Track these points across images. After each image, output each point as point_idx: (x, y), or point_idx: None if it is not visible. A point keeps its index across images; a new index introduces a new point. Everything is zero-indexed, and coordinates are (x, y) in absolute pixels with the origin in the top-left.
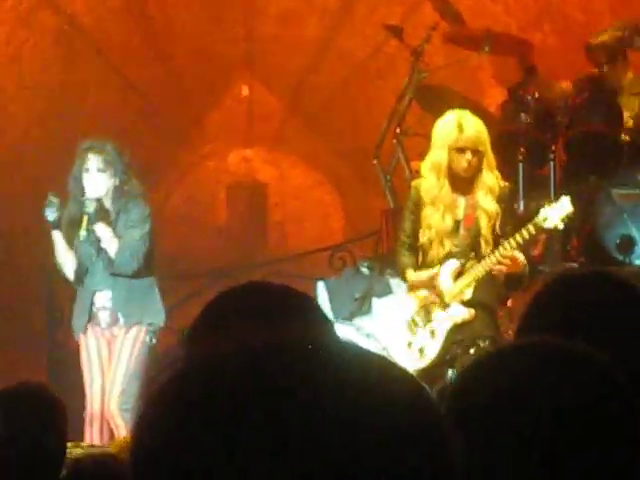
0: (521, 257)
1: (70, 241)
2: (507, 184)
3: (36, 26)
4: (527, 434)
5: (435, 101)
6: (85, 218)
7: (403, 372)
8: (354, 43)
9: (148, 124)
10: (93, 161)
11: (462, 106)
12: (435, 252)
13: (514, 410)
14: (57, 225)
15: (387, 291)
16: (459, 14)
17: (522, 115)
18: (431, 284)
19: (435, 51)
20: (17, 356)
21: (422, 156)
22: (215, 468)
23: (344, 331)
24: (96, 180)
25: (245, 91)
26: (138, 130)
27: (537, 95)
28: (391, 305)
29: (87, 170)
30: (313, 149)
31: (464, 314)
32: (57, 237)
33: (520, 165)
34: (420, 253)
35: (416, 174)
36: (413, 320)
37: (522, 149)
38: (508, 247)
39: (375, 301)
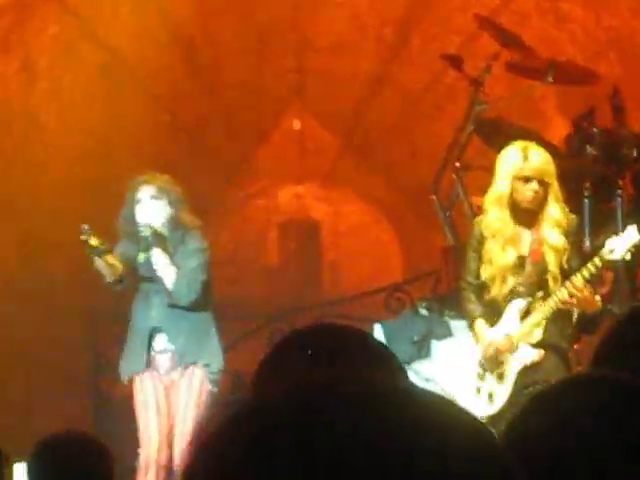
0: (597, 297)
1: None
2: (574, 217)
3: (78, 59)
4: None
5: (495, 134)
6: (143, 243)
7: (473, 418)
8: (410, 74)
9: (195, 160)
10: (146, 190)
11: (524, 139)
12: (498, 289)
13: (576, 449)
14: (98, 253)
15: (447, 333)
16: (519, 39)
17: (587, 148)
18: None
19: (496, 81)
20: (60, 405)
21: (483, 191)
22: None
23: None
24: (150, 208)
25: (296, 125)
26: (184, 167)
27: (602, 128)
28: (452, 348)
29: (139, 201)
30: (368, 184)
31: (533, 356)
32: (100, 264)
33: (586, 200)
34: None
35: (477, 210)
36: (480, 364)
37: (588, 183)
38: (576, 282)
39: (435, 344)
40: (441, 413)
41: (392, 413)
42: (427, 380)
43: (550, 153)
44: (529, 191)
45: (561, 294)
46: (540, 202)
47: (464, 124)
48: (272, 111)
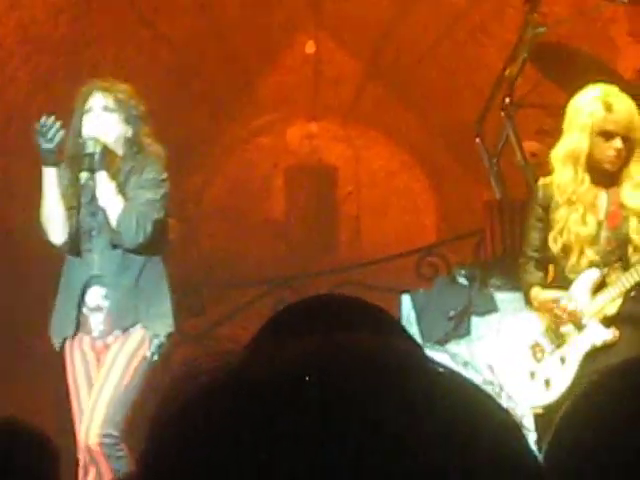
0: None
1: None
2: None
3: None
4: None
5: (555, 64)
6: (87, 161)
7: (498, 407)
8: None
9: (184, 89)
10: (99, 99)
11: (591, 70)
12: (574, 263)
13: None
14: (54, 160)
15: (491, 308)
16: None
17: None
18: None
19: None
20: (22, 390)
21: (539, 134)
22: None
23: (435, 359)
24: (101, 121)
25: (310, 47)
26: (171, 96)
27: None
28: (497, 326)
29: (89, 110)
30: (397, 123)
31: (605, 335)
32: (51, 176)
33: None
34: (552, 266)
35: (532, 157)
36: (537, 344)
37: None
38: None
39: (475, 320)
40: (467, 408)
41: (414, 385)
42: (465, 364)
43: (621, 89)
44: (611, 150)
45: None
46: (622, 163)
47: (516, 51)
48: (281, 29)
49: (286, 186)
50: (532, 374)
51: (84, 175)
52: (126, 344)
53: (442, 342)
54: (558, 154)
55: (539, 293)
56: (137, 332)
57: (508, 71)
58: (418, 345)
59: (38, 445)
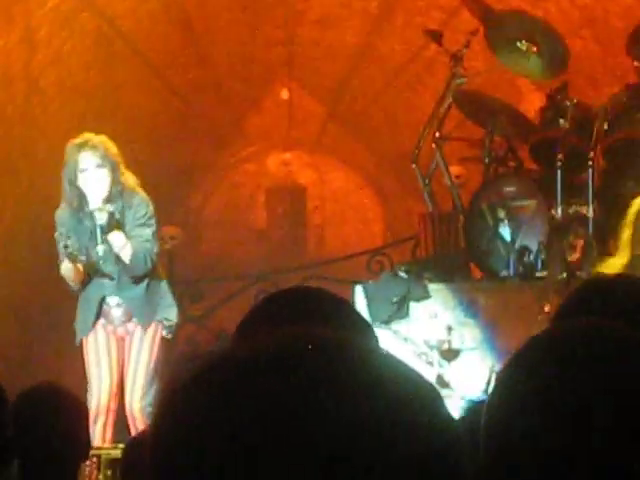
0: None
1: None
2: None
3: (76, 27)
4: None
5: (473, 107)
6: (99, 231)
7: (421, 377)
8: (394, 48)
9: (187, 127)
10: (90, 158)
11: (500, 111)
12: None
13: (563, 403)
14: (72, 259)
15: (425, 295)
16: (496, 16)
17: (560, 121)
18: None
19: (474, 56)
20: (61, 365)
21: (462, 161)
22: (227, 465)
23: (381, 335)
24: (96, 177)
25: (285, 94)
26: (177, 133)
27: (575, 101)
28: (429, 309)
29: (84, 170)
30: (353, 153)
31: None
32: (69, 269)
33: (558, 171)
34: None
35: (456, 179)
36: None
37: (560, 155)
38: None
39: (413, 305)
40: (397, 380)
41: (357, 365)
42: (405, 340)
43: (524, 126)
44: None
45: None
46: None
47: (443, 96)
48: (262, 80)
49: (267, 202)
50: None
51: (101, 248)
52: (148, 331)
53: (387, 322)
54: None
55: None
56: (153, 322)
57: (438, 112)
58: (368, 324)
59: (76, 406)
